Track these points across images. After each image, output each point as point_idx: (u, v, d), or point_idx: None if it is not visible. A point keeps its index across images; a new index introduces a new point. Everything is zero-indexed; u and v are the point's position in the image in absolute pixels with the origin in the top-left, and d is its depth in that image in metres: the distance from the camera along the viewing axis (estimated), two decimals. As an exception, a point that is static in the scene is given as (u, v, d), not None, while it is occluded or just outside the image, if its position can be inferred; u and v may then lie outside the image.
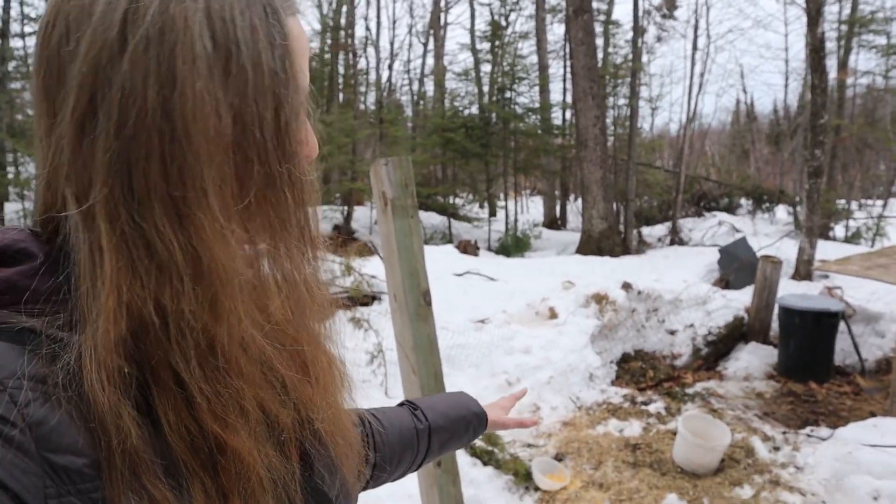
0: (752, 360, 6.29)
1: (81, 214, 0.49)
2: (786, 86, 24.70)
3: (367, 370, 4.92)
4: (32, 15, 16.15)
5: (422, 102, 24.79)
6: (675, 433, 4.50)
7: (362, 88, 19.97)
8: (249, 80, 0.53)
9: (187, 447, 0.51)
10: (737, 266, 8.31)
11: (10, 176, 11.87)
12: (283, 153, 0.55)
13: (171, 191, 0.50)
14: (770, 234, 12.32)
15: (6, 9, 15.85)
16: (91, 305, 0.49)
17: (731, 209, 16.89)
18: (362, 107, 19.22)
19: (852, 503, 3.74)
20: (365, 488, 1.03)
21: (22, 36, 16.01)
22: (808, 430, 4.85)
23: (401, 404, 1.14)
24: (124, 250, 0.49)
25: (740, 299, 6.99)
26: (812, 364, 5.92)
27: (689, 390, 5.64)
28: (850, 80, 17.45)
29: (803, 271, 8.21)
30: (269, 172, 0.55)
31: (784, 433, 4.81)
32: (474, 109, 17.39)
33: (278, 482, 0.57)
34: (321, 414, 0.65)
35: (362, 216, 12.92)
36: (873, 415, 4.93)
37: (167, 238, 0.49)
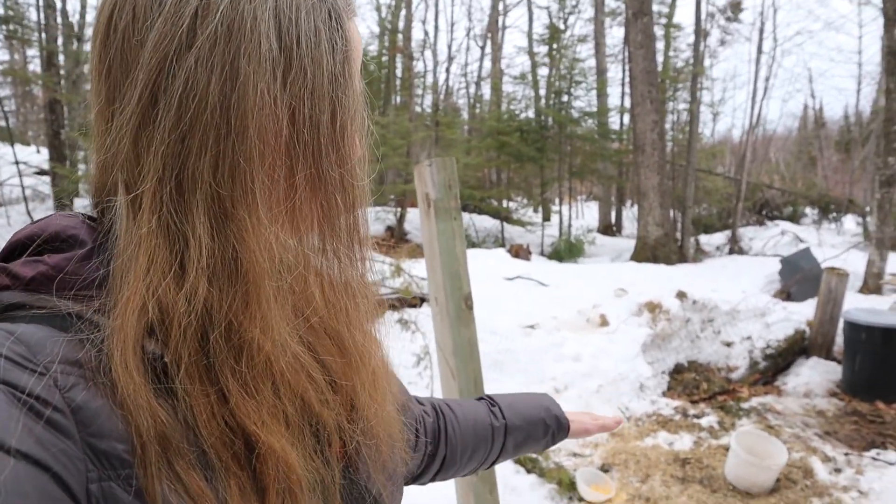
0: (814, 375, 6.02)
1: (129, 202, 0.51)
2: (858, 90, 23.75)
3: (414, 372, 4.92)
4: (106, 19, 16.84)
5: (478, 105, 24.82)
6: (727, 449, 4.34)
7: (419, 91, 20.11)
8: (309, 82, 0.53)
9: (220, 442, 0.50)
10: (799, 277, 8.00)
11: (81, 173, 12.40)
12: (336, 156, 0.56)
13: (218, 188, 0.50)
14: (836, 245, 11.82)
15: (82, 13, 16.61)
16: (122, 293, 0.49)
17: (795, 218, 16.29)
18: (418, 109, 19.35)
19: (919, 532, 3.53)
20: (433, 479, 1.03)
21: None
22: (873, 452, 4.60)
23: (479, 398, 1.12)
24: (163, 241, 0.50)
25: (802, 312, 6.71)
26: (879, 382, 5.63)
27: (745, 405, 5.43)
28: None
29: (872, 285, 7.84)
30: (321, 175, 0.55)
31: (846, 455, 4.58)
32: (530, 113, 17.28)
33: (317, 483, 0.56)
34: (367, 414, 0.65)
35: (415, 218, 12.96)
36: (945, 439, 4.65)
37: (205, 234, 0.50)
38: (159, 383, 0.49)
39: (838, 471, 4.34)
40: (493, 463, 1.10)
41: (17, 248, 0.54)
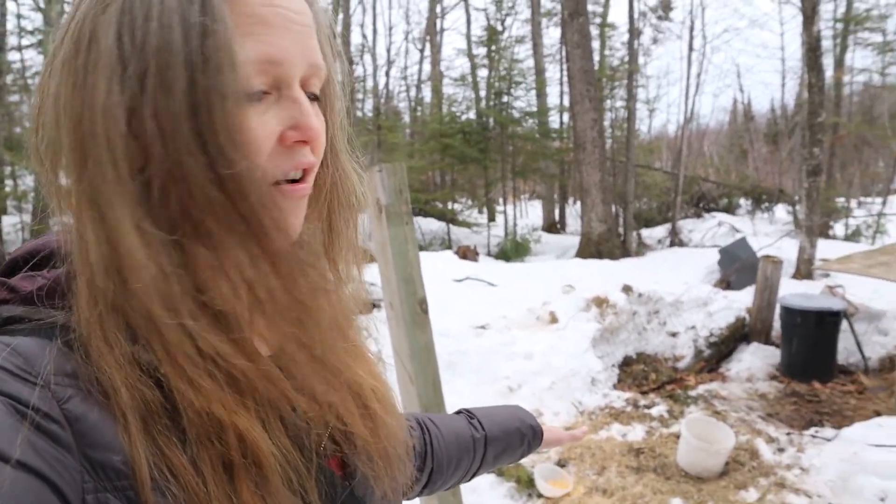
0: (755, 360, 6.25)
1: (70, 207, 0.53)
2: (783, 85, 24.73)
3: (368, 378, 4.89)
4: (29, 28, 16.17)
5: (419, 108, 24.84)
6: (678, 437, 4.46)
7: (359, 95, 19.99)
8: (152, 71, 0.50)
9: (196, 419, 0.51)
10: (737, 266, 8.29)
11: (8, 189, 11.87)
12: (199, 143, 0.50)
13: (90, 187, 0.51)
14: (770, 234, 12.30)
15: (2, 22, 15.88)
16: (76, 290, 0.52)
17: (730, 209, 16.88)
18: (359, 114, 19.23)
19: (859, 504, 3.71)
20: (420, 494, 1.04)
21: (19, 49, 16.03)
22: (812, 430, 4.81)
23: (458, 412, 1.14)
24: (73, 239, 0.53)
25: (742, 300, 6.96)
26: (815, 364, 5.89)
27: (692, 393, 5.60)
28: (846, 78, 17.46)
29: (804, 270, 8.19)
30: (181, 167, 0.51)
31: (788, 434, 4.77)
32: (472, 114, 17.37)
33: (290, 469, 0.56)
34: (368, 429, 0.66)
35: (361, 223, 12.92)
36: (878, 414, 4.89)
37: (92, 234, 0.51)
38: (132, 365, 0.50)
39: (781, 450, 4.52)
40: (474, 475, 1.12)
41: (18, 263, 0.56)
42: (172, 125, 0.50)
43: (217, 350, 0.52)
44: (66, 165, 0.53)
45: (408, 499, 1.03)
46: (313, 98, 0.60)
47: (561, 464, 4.40)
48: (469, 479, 1.13)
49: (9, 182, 12.91)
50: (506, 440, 1.11)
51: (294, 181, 0.58)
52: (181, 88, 0.50)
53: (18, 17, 16.87)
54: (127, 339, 0.51)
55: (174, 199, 0.52)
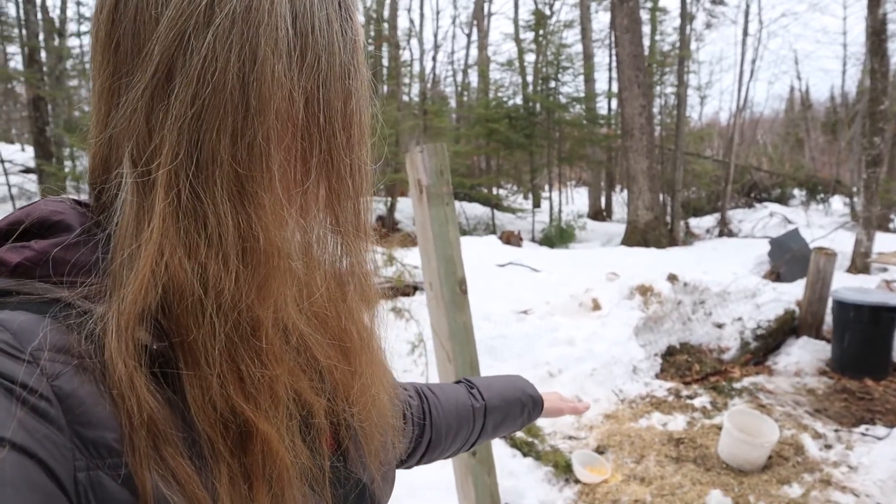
0: (804, 355, 6.08)
1: (138, 178, 0.49)
2: (843, 71, 23.85)
3: (409, 360, 4.94)
4: (88, 14, 16.68)
5: (465, 93, 24.75)
6: (720, 428, 4.39)
7: (406, 80, 20.01)
8: (323, 68, 0.54)
9: (212, 426, 0.50)
10: (788, 258, 8.06)
11: (67, 170, 12.30)
12: (348, 143, 0.57)
13: (237, 166, 0.50)
14: (824, 226, 11.91)
15: (63, 8, 16.40)
16: (126, 272, 0.48)
17: (783, 200, 16.38)
18: (406, 98, 19.25)
19: (909, 505, 3.60)
20: (419, 462, 1.05)
21: (78, 35, 16.54)
22: (862, 428, 4.67)
23: (458, 382, 1.14)
24: (176, 218, 0.49)
25: (792, 292, 6.77)
26: (868, 360, 5.71)
27: (737, 385, 5.49)
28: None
29: (860, 264, 7.91)
30: (333, 161, 0.56)
31: (837, 431, 4.64)
32: (518, 100, 17.24)
33: (306, 472, 0.56)
34: (360, 403, 0.65)
35: (406, 207, 12.93)
36: (933, 413, 4.72)
37: (223, 212, 0.49)
38: (147, 365, 0.48)
39: (829, 447, 4.40)
40: (474, 444, 1.13)
41: (2, 235, 0.53)
42: (332, 120, 0.56)
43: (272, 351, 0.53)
44: (214, 132, 0.50)
45: (407, 467, 1.05)
46: None
47: (599, 451, 4.38)
48: (469, 448, 1.14)
49: (68, 163, 13.37)
50: (506, 409, 1.12)
51: None
52: (341, 91, 0.56)
53: (78, 3, 17.39)
54: (154, 338, 0.49)
55: (322, 192, 0.57)
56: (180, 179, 0.49)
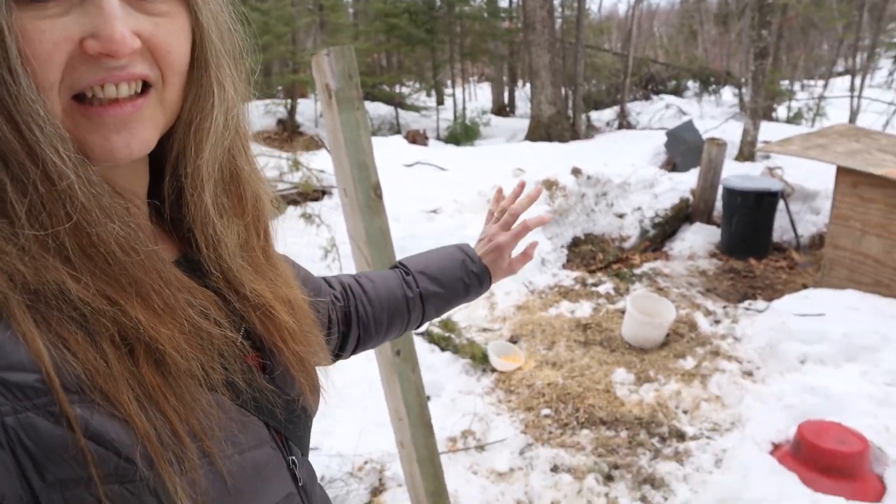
0: (697, 239, 6.51)
1: None
2: (735, -38, 24.17)
3: (323, 265, 4.91)
4: None
5: (362, -15, 23.49)
6: (623, 312, 4.70)
7: (298, -30, 18.70)
8: None
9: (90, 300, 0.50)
10: (683, 149, 8.42)
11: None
12: None
13: None
14: (716, 117, 12.44)
15: None
16: None
17: (678, 92, 16.88)
18: (299, -9, 18.08)
19: (783, 367, 4.03)
20: (354, 353, 1.07)
21: None
22: (746, 303, 5.12)
23: (394, 267, 1.12)
24: None
25: (686, 181, 7.13)
26: (752, 241, 6.18)
27: (637, 271, 5.84)
28: (798, -44, 17.15)
29: (746, 152, 8.38)
30: None
31: (724, 307, 5.07)
32: (418, -8, 16.56)
33: (214, 381, 0.58)
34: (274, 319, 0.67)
35: (307, 109, 12.41)
36: (805, 287, 5.22)
37: None
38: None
39: (717, 322, 4.81)
40: (419, 325, 1.14)
41: None
42: None
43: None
44: None
45: (344, 358, 1.08)
46: None
47: (513, 340, 4.60)
48: (414, 329, 1.15)
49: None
50: (446, 293, 1.11)
51: (118, 99, 0.52)
52: None
53: None
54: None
55: None
56: None
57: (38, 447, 0.46)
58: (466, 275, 1.12)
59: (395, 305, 1.06)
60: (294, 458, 0.69)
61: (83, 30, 0.49)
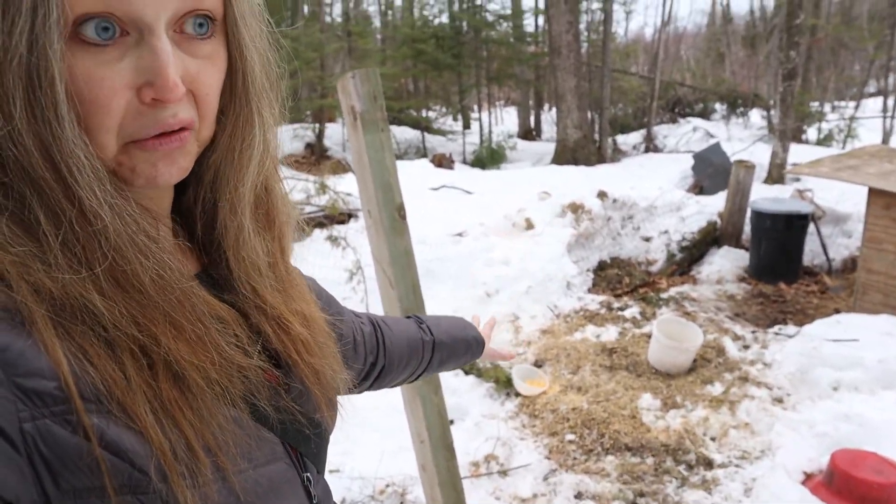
0: (725, 263, 6.42)
1: None
2: (762, -15, 24.11)
3: (348, 287, 4.94)
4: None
5: (390, 13, 23.90)
6: (650, 336, 4.64)
7: (328, 0, 19.11)
8: None
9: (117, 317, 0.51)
10: (710, 171, 8.36)
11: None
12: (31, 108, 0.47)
13: None
14: (744, 139, 12.34)
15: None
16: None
17: (705, 115, 16.80)
18: (328, 19, 18.46)
19: (814, 394, 3.93)
20: (370, 388, 1.10)
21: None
22: (776, 328, 5.02)
23: (408, 317, 1.20)
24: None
25: (714, 204, 7.06)
26: (782, 265, 6.08)
27: (664, 295, 5.78)
28: (827, -23, 17.06)
29: (776, 175, 8.29)
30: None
31: (753, 332, 4.98)
32: (444, 18, 16.78)
33: (233, 396, 0.58)
34: (294, 335, 0.68)
35: (335, 133, 12.60)
36: (837, 311, 5.11)
37: None
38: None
39: (746, 347, 4.73)
40: (420, 376, 1.20)
41: None
42: None
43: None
44: None
45: (358, 392, 1.09)
46: (205, 33, 0.55)
47: (538, 364, 4.56)
48: (415, 380, 1.22)
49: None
50: (452, 346, 1.20)
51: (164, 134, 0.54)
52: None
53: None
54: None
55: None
56: None
57: (54, 454, 0.46)
58: (469, 337, 1.25)
59: (414, 344, 1.13)
60: (309, 474, 0.69)
61: (140, 77, 0.51)
